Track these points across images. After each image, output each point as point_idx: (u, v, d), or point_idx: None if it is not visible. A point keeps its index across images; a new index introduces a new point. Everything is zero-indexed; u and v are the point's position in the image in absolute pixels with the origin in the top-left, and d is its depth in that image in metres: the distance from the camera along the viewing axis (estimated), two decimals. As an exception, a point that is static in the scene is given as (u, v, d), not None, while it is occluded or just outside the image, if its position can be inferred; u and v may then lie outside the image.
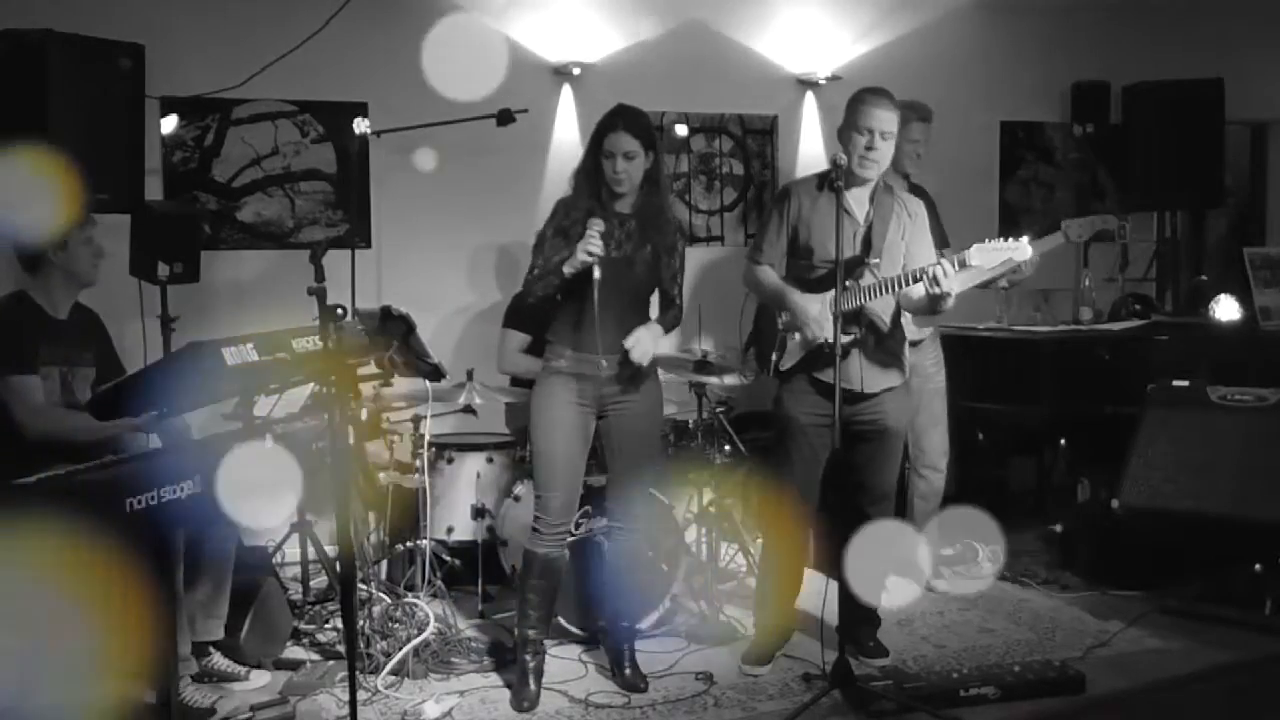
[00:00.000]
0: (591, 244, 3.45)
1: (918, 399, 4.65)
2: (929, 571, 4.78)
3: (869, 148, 3.65)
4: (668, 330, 3.78)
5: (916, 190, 4.66)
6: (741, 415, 5.38)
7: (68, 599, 2.54)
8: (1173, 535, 4.46)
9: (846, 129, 3.71)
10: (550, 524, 3.66)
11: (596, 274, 3.46)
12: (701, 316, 4.82)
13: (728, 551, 4.91)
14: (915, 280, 3.56)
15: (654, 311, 3.80)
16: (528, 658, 3.72)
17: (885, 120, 3.65)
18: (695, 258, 5.81)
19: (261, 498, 2.94)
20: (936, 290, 3.49)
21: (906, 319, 4.21)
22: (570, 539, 4.01)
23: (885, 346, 3.82)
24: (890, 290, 3.64)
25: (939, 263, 3.50)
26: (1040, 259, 4.17)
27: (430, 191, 5.32)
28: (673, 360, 4.63)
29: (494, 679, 3.84)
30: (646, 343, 3.61)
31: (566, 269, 3.51)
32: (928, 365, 4.71)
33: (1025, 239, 3.52)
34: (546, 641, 3.87)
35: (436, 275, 5.33)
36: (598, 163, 3.59)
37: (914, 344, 4.57)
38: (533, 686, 3.68)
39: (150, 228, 4.46)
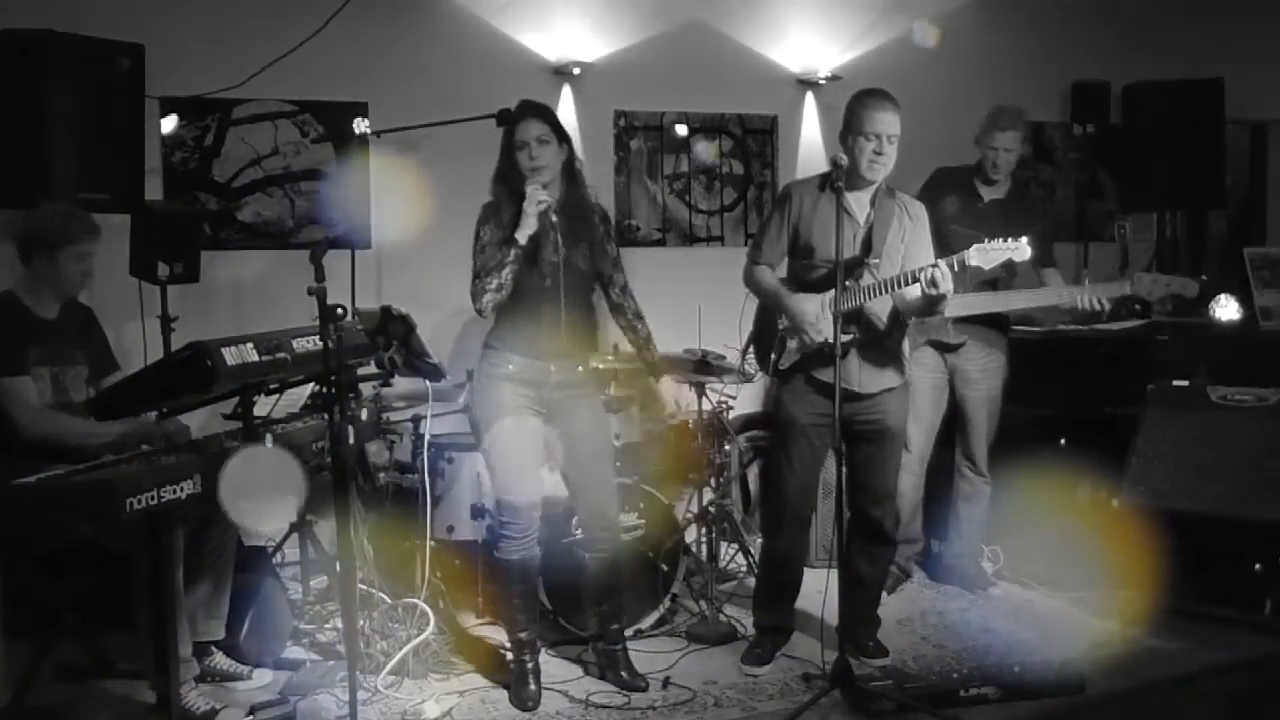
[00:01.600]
0: (539, 195, 3.44)
1: (964, 404, 4.65)
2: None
3: (877, 153, 3.64)
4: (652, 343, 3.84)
5: (1023, 192, 4.67)
6: (741, 415, 5.38)
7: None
8: (1173, 535, 4.46)
9: (851, 133, 3.69)
10: (520, 528, 3.63)
11: (554, 219, 3.47)
12: (701, 316, 4.82)
13: (728, 551, 4.91)
14: (913, 280, 3.56)
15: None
16: (525, 658, 3.71)
17: (891, 124, 3.64)
18: (695, 258, 5.83)
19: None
20: (934, 291, 3.48)
21: (947, 324, 4.23)
22: (568, 540, 4.02)
23: (883, 347, 3.81)
24: (889, 290, 3.64)
25: (936, 264, 3.50)
26: (1111, 303, 4.26)
27: (430, 191, 5.32)
28: (672, 360, 4.62)
29: (494, 679, 3.84)
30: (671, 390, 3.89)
31: (520, 235, 3.45)
32: (969, 370, 4.62)
33: (1025, 239, 3.52)
34: (543, 641, 3.87)
35: (436, 275, 5.31)
36: (513, 161, 3.57)
37: (954, 347, 4.56)
38: (533, 685, 3.68)
39: (150, 228, 4.46)
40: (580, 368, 3.69)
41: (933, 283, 3.47)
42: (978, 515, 4.76)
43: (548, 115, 3.62)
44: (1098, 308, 4.21)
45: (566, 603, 4.05)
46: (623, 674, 3.79)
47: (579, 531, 4.02)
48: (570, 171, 3.65)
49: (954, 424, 4.72)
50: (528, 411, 3.61)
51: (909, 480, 4.61)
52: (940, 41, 6.10)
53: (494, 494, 3.72)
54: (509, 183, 3.58)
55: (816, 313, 3.69)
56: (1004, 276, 4.36)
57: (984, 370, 4.65)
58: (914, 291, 3.58)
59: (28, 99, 4.09)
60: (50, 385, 3.61)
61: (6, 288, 3.69)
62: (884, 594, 4.65)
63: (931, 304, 3.59)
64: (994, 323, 4.60)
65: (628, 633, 3.97)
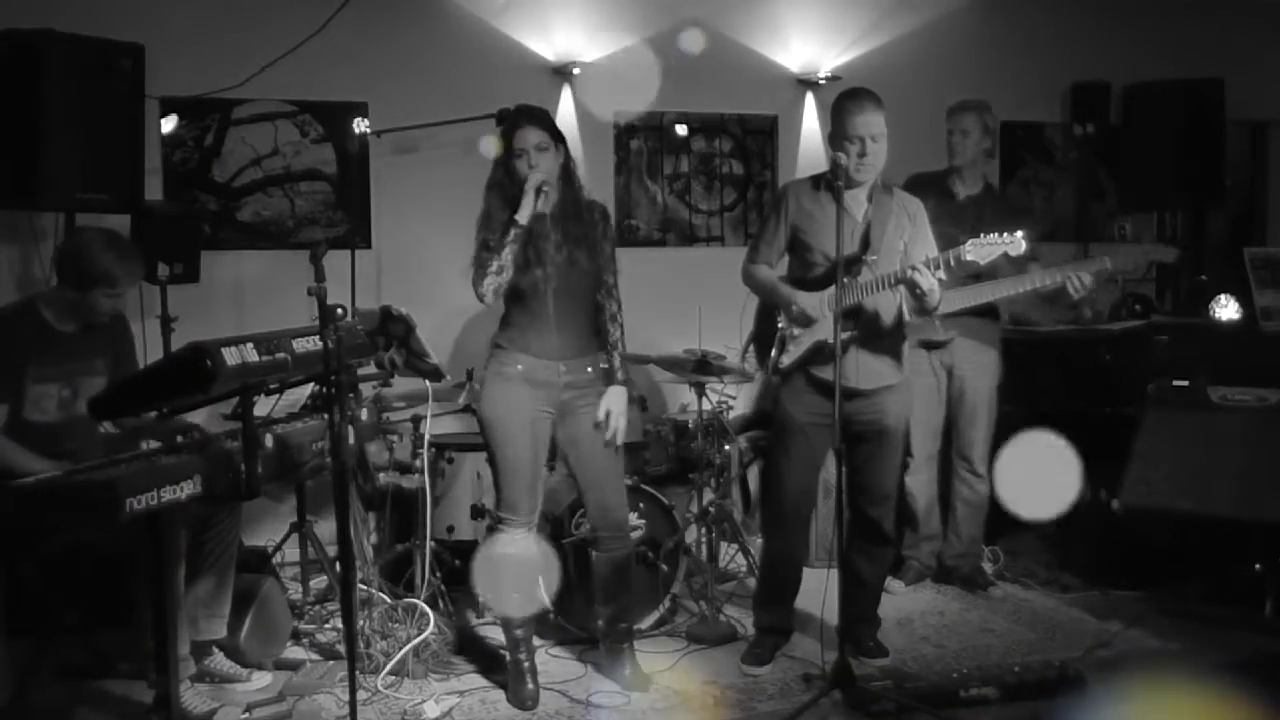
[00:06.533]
0: (535, 175, 3.44)
1: (958, 403, 4.66)
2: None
3: (861, 155, 3.65)
4: (624, 375, 3.70)
5: (999, 189, 4.63)
6: (741, 415, 5.38)
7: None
8: (1173, 535, 4.46)
9: (837, 136, 3.70)
10: (516, 526, 3.63)
11: (545, 195, 3.46)
12: (701, 316, 4.82)
13: (728, 551, 4.91)
14: (898, 282, 3.60)
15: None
16: (521, 656, 3.71)
17: (871, 124, 3.65)
18: (695, 258, 5.83)
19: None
20: (919, 291, 3.54)
21: (934, 321, 4.22)
22: (569, 539, 4.02)
23: (882, 344, 3.82)
24: (887, 286, 3.65)
25: (914, 266, 3.53)
26: (1094, 280, 4.23)
27: (430, 191, 5.32)
28: (673, 360, 4.63)
29: (494, 679, 3.84)
30: (618, 412, 3.62)
31: (520, 216, 3.45)
32: (961, 367, 4.62)
33: (1020, 233, 3.52)
34: (545, 641, 3.87)
35: (436, 275, 5.31)
36: (510, 168, 3.54)
37: (943, 343, 4.57)
38: (530, 684, 3.68)
39: (150, 228, 4.46)
40: (590, 368, 3.67)
41: (914, 285, 3.51)
42: (976, 516, 4.75)
43: (545, 121, 3.58)
44: (1080, 288, 4.18)
45: (567, 602, 4.05)
46: (627, 673, 3.79)
47: (579, 531, 4.03)
48: (567, 173, 3.63)
49: (949, 424, 4.72)
50: (536, 412, 3.60)
51: (919, 478, 4.65)
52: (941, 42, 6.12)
53: (497, 492, 3.70)
54: (503, 191, 3.56)
55: (815, 302, 3.71)
56: (986, 270, 4.34)
57: (975, 367, 4.65)
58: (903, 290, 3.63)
59: (28, 99, 4.09)
60: (56, 401, 3.55)
61: (30, 295, 3.59)
62: (903, 586, 4.71)
63: (920, 302, 3.61)
64: (984, 318, 4.58)
65: (628, 633, 3.97)
